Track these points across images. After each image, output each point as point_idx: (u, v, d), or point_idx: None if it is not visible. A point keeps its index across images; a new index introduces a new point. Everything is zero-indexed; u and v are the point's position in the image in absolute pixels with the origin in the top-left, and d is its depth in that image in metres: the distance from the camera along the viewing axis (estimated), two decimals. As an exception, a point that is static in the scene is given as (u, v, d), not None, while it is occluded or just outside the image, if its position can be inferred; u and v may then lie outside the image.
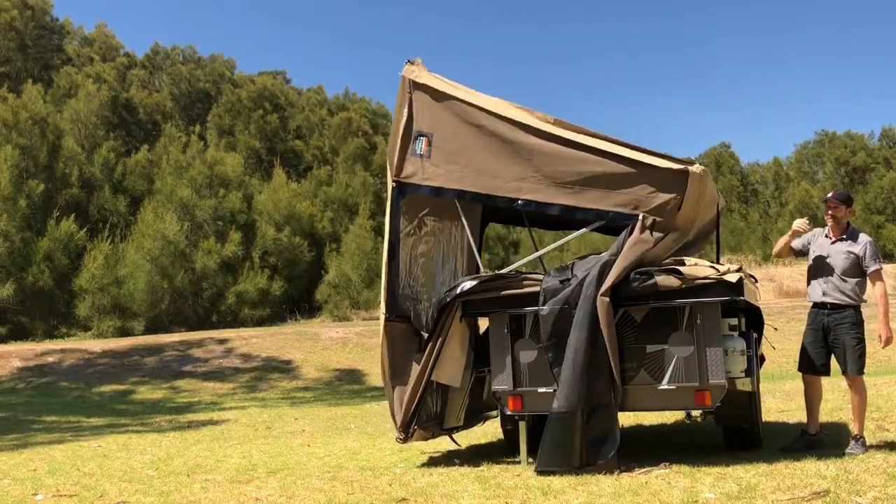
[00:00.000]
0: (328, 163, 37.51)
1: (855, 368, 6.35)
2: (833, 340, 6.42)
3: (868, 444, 6.45)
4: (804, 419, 7.08)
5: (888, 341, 6.31)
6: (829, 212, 6.48)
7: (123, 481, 6.42)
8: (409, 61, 6.76)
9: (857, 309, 6.46)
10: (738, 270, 6.07)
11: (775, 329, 8.46)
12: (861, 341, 6.38)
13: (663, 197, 6.01)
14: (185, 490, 5.89)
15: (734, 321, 6.16)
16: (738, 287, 5.88)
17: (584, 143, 6.18)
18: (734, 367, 6.00)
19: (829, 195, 6.63)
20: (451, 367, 6.45)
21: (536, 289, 6.16)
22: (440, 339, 6.34)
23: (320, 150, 39.20)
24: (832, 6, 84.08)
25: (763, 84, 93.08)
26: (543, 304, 6.03)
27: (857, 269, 6.38)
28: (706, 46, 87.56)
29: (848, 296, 6.40)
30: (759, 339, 6.75)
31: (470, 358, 6.79)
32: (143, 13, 79.55)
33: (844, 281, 6.39)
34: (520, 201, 6.29)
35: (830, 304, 6.41)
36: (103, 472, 6.90)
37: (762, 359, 7.10)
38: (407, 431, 6.46)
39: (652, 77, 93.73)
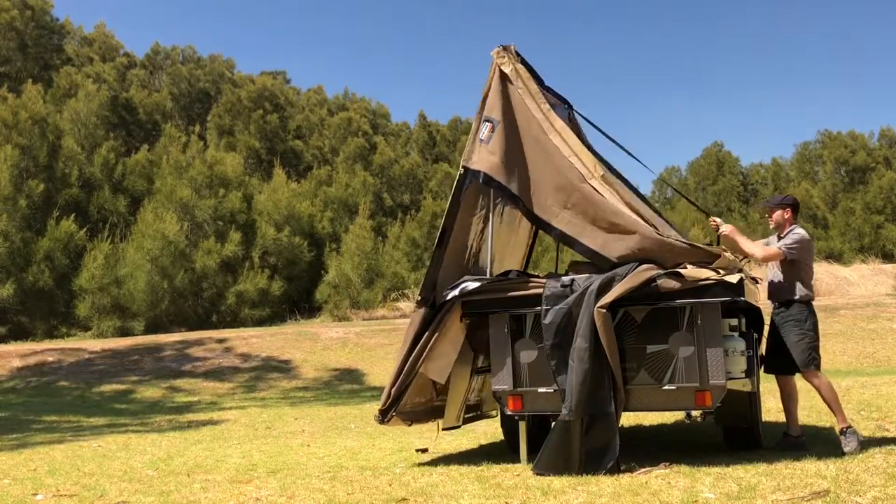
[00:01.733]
0: (328, 163, 37.50)
1: (801, 363, 6.42)
2: (784, 338, 6.53)
3: (867, 443, 6.45)
4: (804, 419, 7.11)
5: (715, 223, 6.69)
6: (767, 216, 6.81)
7: (123, 481, 6.42)
8: (501, 46, 6.63)
9: (802, 304, 6.52)
10: (740, 271, 6.09)
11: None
12: (804, 336, 6.44)
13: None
14: (185, 490, 5.89)
15: (734, 322, 6.17)
16: (738, 288, 5.89)
17: (628, 203, 6.31)
18: (734, 367, 6.01)
19: (764, 201, 6.98)
20: (440, 363, 6.45)
21: (540, 291, 6.17)
22: (435, 335, 6.35)
23: (320, 150, 39.19)
24: (832, 6, 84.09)
25: (763, 84, 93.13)
26: (546, 310, 6.04)
27: (788, 263, 6.52)
28: (706, 46, 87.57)
29: (786, 290, 6.52)
30: (759, 340, 6.77)
31: (470, 358, 6.80)
32: (143, 13, 79.48)
33: (782, 276, 6.55)
34: (555, 231, 6.42)
35: (777, 301, 6.60)
36: (103, 472, 6.91)
37: (762, 359, 7.11)
38: (385, 416, 6.56)
39: (652, 77, 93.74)
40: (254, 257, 26.57)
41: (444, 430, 7.16)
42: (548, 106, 6.60)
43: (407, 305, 25.71)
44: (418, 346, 6.39)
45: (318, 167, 36.31)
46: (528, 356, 6.26)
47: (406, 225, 30.90)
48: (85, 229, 24.96)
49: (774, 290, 6.63)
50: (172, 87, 41.08)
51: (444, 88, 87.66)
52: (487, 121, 6.53)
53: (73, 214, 24.97)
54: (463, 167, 6.57)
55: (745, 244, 6.60)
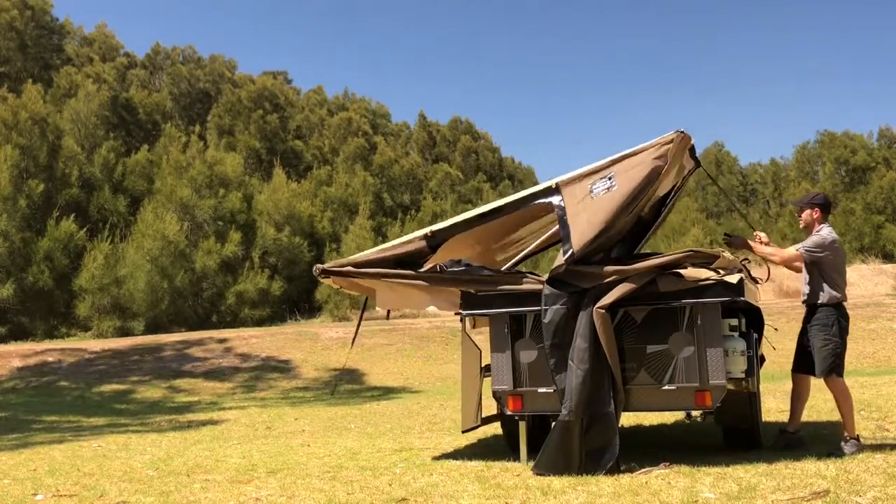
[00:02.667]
0: (328, 163, 37.51)
1: (821, 370, 6.31)
2: (807, 340, 6.45)
3: (866, 444, 6.44)
4: (804, 419, 7.06)
5: (758, 237, 6.58)
6: (798, 215, 6.69)
7: (123, 481, 6.42)
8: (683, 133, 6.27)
9: (829, 307, 6.35)
10: (740, 271, 6.09)
11: (775, 329, 8.46)
12: (828, 342, 6.29)
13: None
14: (185, 490, 5.89)
15: (735, 322, 6.17)
16: (738, 288, 5.89)
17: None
18: (734, 367, 6.01)
19: (794, 199, 6.92)
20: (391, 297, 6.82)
21: (536, 287, 6.16)
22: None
23: (320, 150, 39.20)
24: (832, 6, 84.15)
25: (763, 84, 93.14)
26: (545, 310, 6.03)
27: (813, 267, 6.39)
28: (706, 46, 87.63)
29: (811, 293, 6.41)
30: (759, 340, 6.76)
31: (480, 357, 6.83)
32: (143, 13, 79.59)
33: (808, 279, 6.43)
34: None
35: (807, 304, 6.48)
36: (103, 472, 6.90)
37: (762, 359, 7.11)
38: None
39: (651, 77, 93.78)
40: (254, 257, 26.57)
41: (463, 431, 7.19)
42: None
43: (407, 305, 25.69)
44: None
45: (318, 167, 36.32)
46: (528, 356, 6.26)
47: (406, 225, 30.91)
48: (85, 229, 24.96)
49: (805, 293, 6.50)
50: (172, 87, 41.08)
51: (444, 88, 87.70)
52: (609, 178, 6.19)
53: (73, 214, 24.97)
54: (556, 186, 6.33)
55: (768, 250, 6.54)
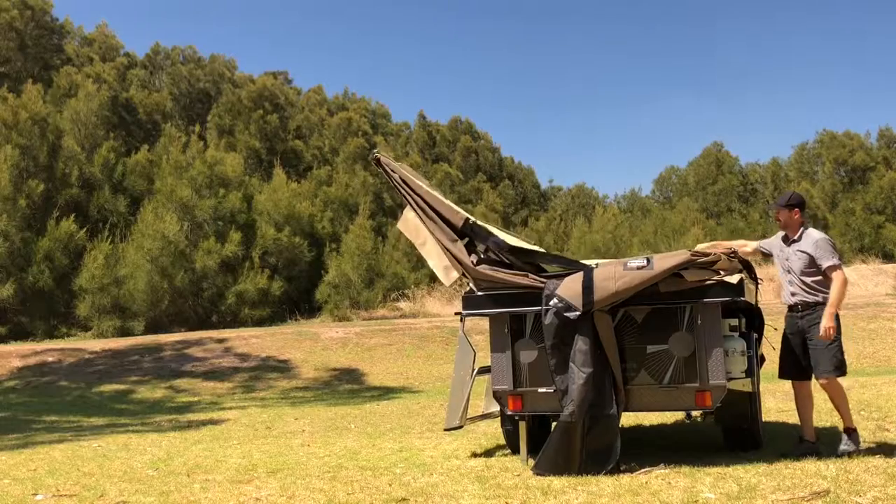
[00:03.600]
0: (328, 163, 37.49)
1: (829, 369, 6.21)
2: (809, 341, 6.31)
3: (867, 444, 6.45)
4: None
5: (827, 331, 6.12)
6: (776, 217, 6.58)
7: (123, 481, 6.42)
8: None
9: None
10: (740, 272, 6.10)
11: (775, 329, 8.46)
12: (835, 339, 6.23)
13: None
14: (185, 490, 5.89)
15: (734, 322, 6.18)
16: (738, 288, 5.89)
17: None
18: (734, 367, 6.01)
19: (773, 202, 6.72)
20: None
21: (536, 287, 6.17)
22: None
23: (320, 150, 39.19)
24: (832, 6, 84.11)
25: (763, 84, 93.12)
26: (546, 311, 6.03)
27: (814, 267, 6.30)
28: (706, 46, 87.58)
29: (812, 291, 6.29)
30: (759, 340, 6.76)
31: (474, 359, 6.82)
32: (143, 13, 79.49)
33: (806, 279, 6.31)
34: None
35: (801, 304, 6.34)
36: (103, 472, 6.90)
37: (762, 359, 7.11)
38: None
39: (651, 77, 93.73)
40: (254, 257, 26.56)
41: (445, 430, 7.16)
42: None
43: (407, 305, 25.72)
44: None
45: (318, 167, 36.31)
46: (528, 356, 6.26)
47: (406, 225, 30.87)
48: (85, 229, 24.95)
49: (797, 293, 6.35)
50: (172, 87, 41.07)
51: (444, 88, 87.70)
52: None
53: (73, 214, 24.96)
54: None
55: (840, 299, 6.24)
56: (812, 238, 6.35)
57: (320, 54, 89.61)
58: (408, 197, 6.88)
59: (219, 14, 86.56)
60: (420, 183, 6.99)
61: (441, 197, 7.00)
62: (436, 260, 6.85)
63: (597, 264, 6.26)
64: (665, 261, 6.01)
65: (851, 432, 6.28)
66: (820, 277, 6.29)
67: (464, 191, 39.59)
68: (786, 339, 6.51)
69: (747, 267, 6.64)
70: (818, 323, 6.21)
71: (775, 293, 23.29)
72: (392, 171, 7.01)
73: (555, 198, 50.71)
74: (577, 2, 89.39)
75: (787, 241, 6.47)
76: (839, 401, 6.33)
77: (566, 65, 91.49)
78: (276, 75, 46.09)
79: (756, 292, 7.06)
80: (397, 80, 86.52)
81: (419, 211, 6.82)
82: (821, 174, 43.19)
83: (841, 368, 6.26)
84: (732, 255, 6.29)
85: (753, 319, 6.69)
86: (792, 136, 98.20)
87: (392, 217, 33.39)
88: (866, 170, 40.51)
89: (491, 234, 6.65)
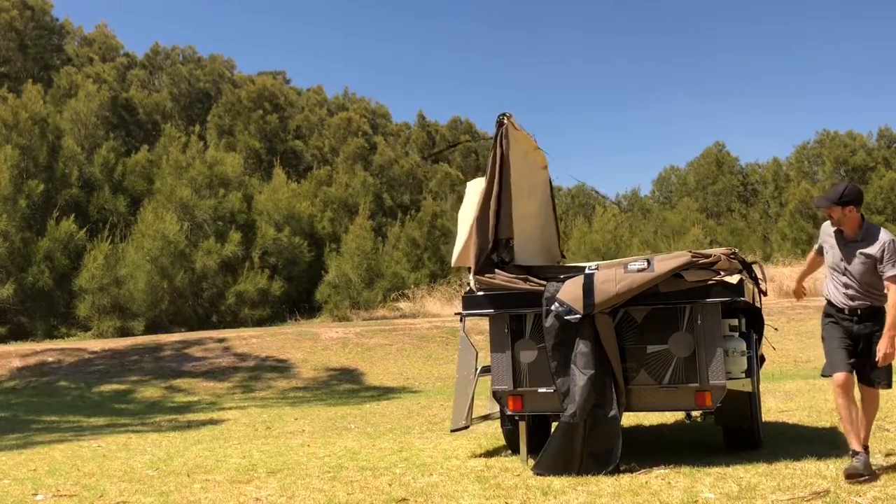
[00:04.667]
0: (328, 163, 37.50)
1: (887, 381, 5.66)
2: (863, 349, 5.61)
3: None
4: (804, 419, 7.04)
5: (886, 358, 5.46)
6: (827, 215, 5.71)
7: (123, 481, 6.42)
8: None
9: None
10: (741, 272, 6.10)
11: (775, 329, 8.47)
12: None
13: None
14: (185, 490, 5.89)
15: (734, 322, 6.17)
16: (738, 288, 5.89)
17: None
18: (734, 367, 6.01)
19: (816, 198, 6.04)
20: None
21: (535, 288, 6.17)
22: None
23: (320, 150, 39.20)
24: (832, 7, 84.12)
25: (763, 84, 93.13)
26: (546, 312, 6.04)
27: (875, 271, 5.55)
28: (705, 46, 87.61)
29: (878, 295, 5.57)
30: (759, 340, 6.76)
31: (476, 359, 6.82)
32: (143, 13, 79.50)
33: (867, 283, 5.59)
34: None
35: (860, 311, 5.60)
36: (103, 472, 6.90)
37: (762, 359, 7.11)
38: None
39: (651, 77, 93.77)
40: (254, 257, 26.56)
41: (452, 431, 7.17)
42: None
43: (407, 305, 25.72)
44: None
45: (318, 167, 36.31)
46: (528, 356, 6.26)
47: (406, 225, 30.91)
48: (85, 229, 24.94)
49: (857, 297, 5.61)
50: (172, 87, 41.08)
51: (443, 88, 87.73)
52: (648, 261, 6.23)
53: (73, 214, 24.95)
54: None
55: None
56: (880, 241, 5.54)
57: (320, 54, 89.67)
58: (494, 175, 6.43)
59: (219, 14, 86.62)
60: (511, 180, 6.53)
61: (512, 204, 6.55)
62: (461, 238, 6.88)
63: (597, 265, 6.27)
64: (666, 263, 6.02)
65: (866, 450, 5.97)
66: (877, 280, 5.56)
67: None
68: (835, 336, 5.68)
69: (747, 267, 6.64)
70: (877, 331, 5.56)
71: (775, 293, 23.32)
72: (505, 139, 6.45)
73: (554, 198, 50.74)
74: (577, 2, 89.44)
75: (844, 238, 5.67)
76: (874, 412, 5.84)
77: (566, 65, 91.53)
78: (276, 75, 46.13)
79: (759, 294, 7.06)
80: (397, 80, 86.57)
81: (486, 196, 6.44)
82: (821, 174, 43.21)
83: (890, 380, 5.77)
84: (733, 255, 6.28)
85: (754, 320, 6.69)
86: (793, 136, 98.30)
87: (392, 217, 33.40)
88: (866, 170, 40.53)
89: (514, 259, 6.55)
